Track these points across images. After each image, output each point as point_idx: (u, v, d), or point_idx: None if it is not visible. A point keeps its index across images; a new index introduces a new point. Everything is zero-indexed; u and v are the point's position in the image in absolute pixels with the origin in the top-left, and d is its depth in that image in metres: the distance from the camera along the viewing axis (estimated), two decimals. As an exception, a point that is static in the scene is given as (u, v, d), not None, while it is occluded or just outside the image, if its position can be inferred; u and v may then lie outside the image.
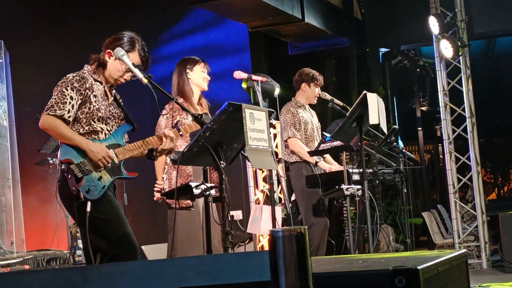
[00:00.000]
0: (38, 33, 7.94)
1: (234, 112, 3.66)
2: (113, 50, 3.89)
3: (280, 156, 6.77)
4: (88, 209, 3.68)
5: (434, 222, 9.30)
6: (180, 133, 4.08)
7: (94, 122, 3.84)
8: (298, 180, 6.36)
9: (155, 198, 4.87)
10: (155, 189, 4.88)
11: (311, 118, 6.55)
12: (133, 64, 3.85)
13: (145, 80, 3.79)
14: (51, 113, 3.74)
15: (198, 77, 5.06)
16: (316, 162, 6.33)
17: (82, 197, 3.67)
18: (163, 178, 4.82)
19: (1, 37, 7.85)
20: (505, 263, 7.21)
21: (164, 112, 4.79)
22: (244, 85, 5.08)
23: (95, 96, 3.85)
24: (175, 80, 5.03)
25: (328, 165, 6.46)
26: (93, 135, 3.83)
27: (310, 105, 6.68)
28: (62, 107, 3.74)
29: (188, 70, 5.04)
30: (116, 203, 3.85)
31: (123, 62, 3.87)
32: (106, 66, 3.93)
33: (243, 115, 3.61)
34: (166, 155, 4.31)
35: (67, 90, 3.77)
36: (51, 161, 7.74)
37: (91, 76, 3.89)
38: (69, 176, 3.69)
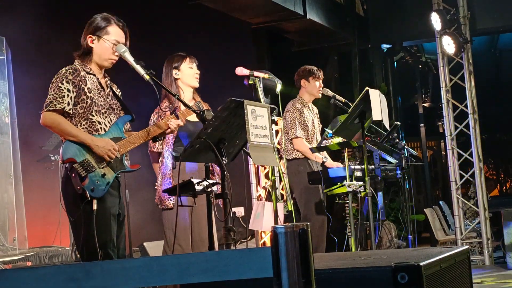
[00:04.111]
0: (40, 30, 7.93)
1: (236, 109, 3.66)
2: (92, 34, 3.89)
3: (282, 153, 6.77)
4: (95, 207, 3.67)
5: (436, 219, 9.30)
6: (179, 119, 4.11)
7: (92, 115, 3.82)
8: (296, 177, 6.35)
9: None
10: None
11: (312, 119, 6.52)
12: (134, 60, 3.85)
13: (147, 77, 3.78)
14: (51, 109, 3.72)
15: (187, 75, 4.82)
16: (323, 162, 6.31)
17: (88, 196, 3.66)
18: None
19: (3, 34, 7.85)
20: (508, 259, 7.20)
21: (153, 115, 4.79)
22: (251, 82, 5.02)
23: (89, 89, 3.82)
24: (163, 82, 4.74)
25: (336, 163, 6.44)
26: (93, 132, 3.82)
27: (314, 102, 6.65)
28: (61, 101, 3.72)
29: (175, 71, 4.80)
30: (108, 210, 3.75)
31: (124, 58, 3.87)
32: (92, 52, 3.90)
33: (245, 111, 3.61)
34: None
35: (62, 84, 3.75)
36: (53, 158, 7.74)
37: (83, 69, 3.87)
38: (73, 175, 3.67)
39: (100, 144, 3.74)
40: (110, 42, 3.88)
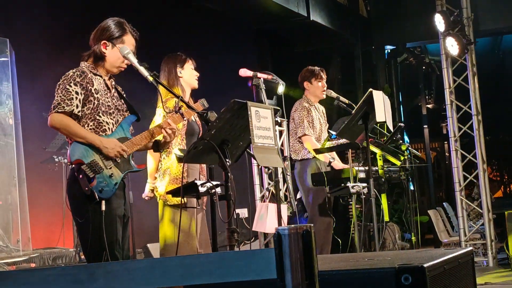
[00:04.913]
0: (44, 31, 7.95)
1: (240, 110, 3.66)
2: (107, 41, 3.87)
3: (286, 153, 6.76)
4: (103, 208, 3.67)
5: (440, 220, 9.29)
6: (184, 118, 4.11)
7: (100, 116, 3.81)
8: (303, 177, 6.34)
9: (143, 195, 4.85)
10: (147, 187, 4.85)
11: (319, 118, 6.51)
12: (138, 62, 3.84)
13: (150, 78, 3.78)
14: (60, 111, 3.70)
15: (190, 75, 4.89)
16: (330, 162, 6.30)
17: (97, 197, 3.65)
18: (155, 177, 4.78)
19: (7, 36, 7.86)
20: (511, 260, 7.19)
21: (160, 111, 4.77)
22: (254, 83, 5.03)
23: (96, 90, 3.81)
24: (163, 79, 4.78)
25: (342, 164, 6.43)
26: (100, 132, 3.82)
27: (320, 102, 6.64)
28: (69, 103, 3.70)
29: (179, 69, 4.86)
30: (113, 211, 3.75)
31: (129, 60, 3.86)
32: (105, 58, 3.89)
33: (249, 113, 3.61)
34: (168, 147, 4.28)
35: (70, 86, 3.73)
36: (56, 159, 7.75)
37: (90, 71, 3.86)
38: (81, 176, 3.66)
39: (109, 145, 3.74)
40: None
